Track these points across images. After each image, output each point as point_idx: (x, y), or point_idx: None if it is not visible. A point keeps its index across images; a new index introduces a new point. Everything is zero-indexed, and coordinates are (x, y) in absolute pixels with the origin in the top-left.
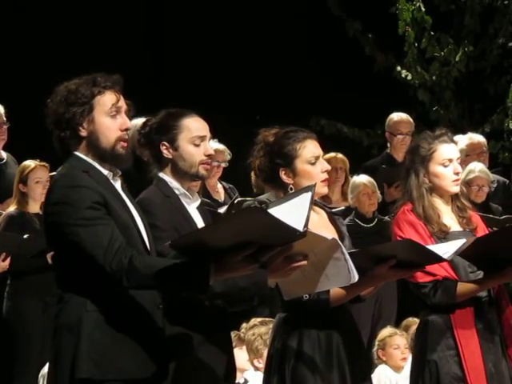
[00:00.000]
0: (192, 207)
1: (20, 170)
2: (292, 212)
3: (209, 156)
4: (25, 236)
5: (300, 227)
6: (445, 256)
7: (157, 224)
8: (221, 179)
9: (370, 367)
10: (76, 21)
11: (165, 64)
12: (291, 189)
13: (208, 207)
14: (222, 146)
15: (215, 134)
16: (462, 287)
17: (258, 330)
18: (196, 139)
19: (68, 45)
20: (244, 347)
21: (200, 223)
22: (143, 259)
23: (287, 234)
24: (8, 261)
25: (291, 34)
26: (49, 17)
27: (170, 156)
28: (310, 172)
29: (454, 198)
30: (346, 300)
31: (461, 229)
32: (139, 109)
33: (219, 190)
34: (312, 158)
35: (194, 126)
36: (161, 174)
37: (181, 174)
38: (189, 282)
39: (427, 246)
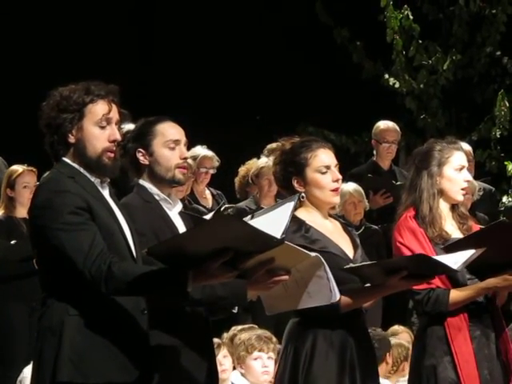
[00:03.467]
0: (173, 212)
1: (8, 174)
2: (273, 220)
3: (184, 159)
4: (12, 242)
5: (278, 234)
6: (455, 266)
7: (136, 229)
8: (210, 185)
9: (378, 375)
10: (61, 25)
11: (151, 73)
12: (303, 197)
13: (195, 213)
14: (210, 153)
15: (204, 140)
16: (455, 295)
17: (244, 335)
18: (170, 143)
19: (56, 52)
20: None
21: (182, 228)
22: (122, 266)
23: (264, 241)
24: None
25: (280, 42)
26: (32, 21)
27: (147, 162)
28: (319, 181)
29: (456, 207)
30: (356, 306)
31: (461, 235)
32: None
33: (207, 197)
34: (322, 168)
35: (167, 130)
36: (141, 181)
37: (158, 180)
38: (167, 288)
39: (437, 258)
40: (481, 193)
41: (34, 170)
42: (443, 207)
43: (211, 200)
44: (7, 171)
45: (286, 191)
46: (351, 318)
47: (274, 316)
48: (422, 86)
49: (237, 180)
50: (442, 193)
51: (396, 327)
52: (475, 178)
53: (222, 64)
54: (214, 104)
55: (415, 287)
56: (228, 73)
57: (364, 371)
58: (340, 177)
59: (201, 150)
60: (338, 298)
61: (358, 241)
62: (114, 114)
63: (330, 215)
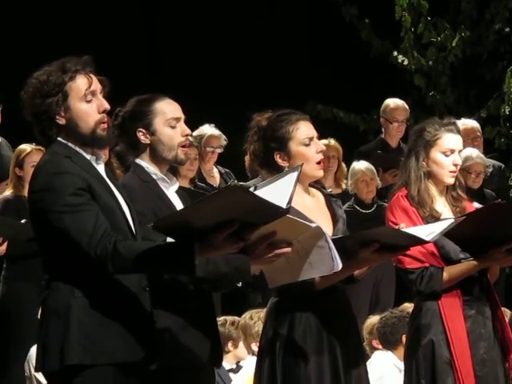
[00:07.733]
0: (171, 191)
1: (16, 154)
2: (277, 191)
3: (186, 136)
4: (22, 221)
5: (283, 204)
6: (428, 238)
7: (136, 209)
8: (218, 163)
9: (364, 351)
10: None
11: (163, 57)
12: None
13: (203, 191)
14: (217, 132)
15: (211, 119)
16: (449, 272)
17: (258, 314)
18: (171, 121)
19: (63, 34)
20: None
21: (179, 207)
22: (127, 244)
23: (270, 211)
24: (5, 245)
25: (288, 19)
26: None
27: (148, 141)
28: (304, 153)
29: (450, 188)
30: (333, 282)
31: (452, 215)
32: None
33: (215, 175)
34: (306, 140)
35: (167, 108)
36: (138, 161)
37: (159, 159)
38: (174, 263)
39: (406, 230)
40: (490, 169)
41: (42, 149)
42: (433, 188)
43: (219, 178)
44: (16, 150)
45: (266, 168)
46: (329, 295)
47: None
48: (430, 63)
49: (247, 159)
50: (429, 175)
51: (407, 304)
52: (483, 155)
53: (231, 41)
54: (223, 82)
55: (408, 266)
56: (236, 50)
57: (346, 349)
58: (323, 148)
59: (208, 129)
60: (340, 268)
61: (340, 213)
62: (96, 85)
63: (315, 186)
